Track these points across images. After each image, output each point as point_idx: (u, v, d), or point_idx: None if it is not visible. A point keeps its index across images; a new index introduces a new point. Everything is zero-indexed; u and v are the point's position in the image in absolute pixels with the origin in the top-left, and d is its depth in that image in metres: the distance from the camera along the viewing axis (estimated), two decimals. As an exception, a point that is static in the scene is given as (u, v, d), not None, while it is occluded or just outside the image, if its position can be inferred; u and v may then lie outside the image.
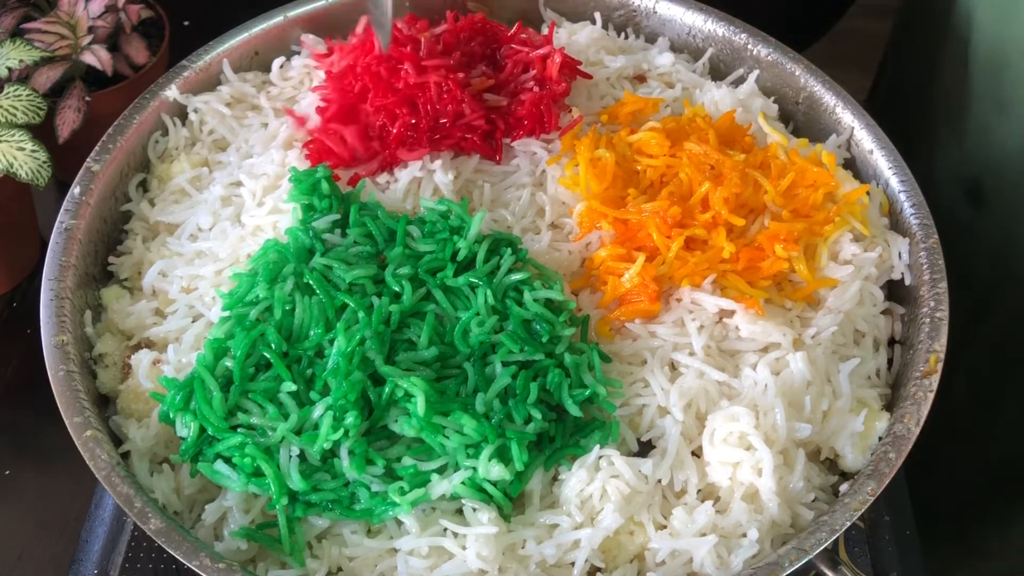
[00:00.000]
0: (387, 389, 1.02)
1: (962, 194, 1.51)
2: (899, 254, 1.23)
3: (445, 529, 1.00)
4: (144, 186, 1.32)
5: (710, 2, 1.47)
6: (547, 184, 1.25)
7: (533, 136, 1.27)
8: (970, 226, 1.50)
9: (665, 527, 1.04)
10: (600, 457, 1.04)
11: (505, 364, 1.07)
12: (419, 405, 1.00)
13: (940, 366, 1.12)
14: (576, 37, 1.43)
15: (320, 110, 1.27)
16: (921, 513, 1.28)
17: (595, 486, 1.02)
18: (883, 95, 1.82)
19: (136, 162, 1.32)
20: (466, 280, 1.12)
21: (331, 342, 1.05)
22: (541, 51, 1.32)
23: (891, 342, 1.22)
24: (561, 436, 1.06)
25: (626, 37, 1.50)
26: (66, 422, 1.04)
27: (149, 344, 1.17)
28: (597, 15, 1.48)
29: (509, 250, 1.14)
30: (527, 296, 1.11)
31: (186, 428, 1.03)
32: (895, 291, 1.24)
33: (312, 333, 1.07)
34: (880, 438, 1.10)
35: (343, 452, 1.01)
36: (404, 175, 1.22)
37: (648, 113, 1.33)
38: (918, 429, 1.08)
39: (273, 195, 1.22)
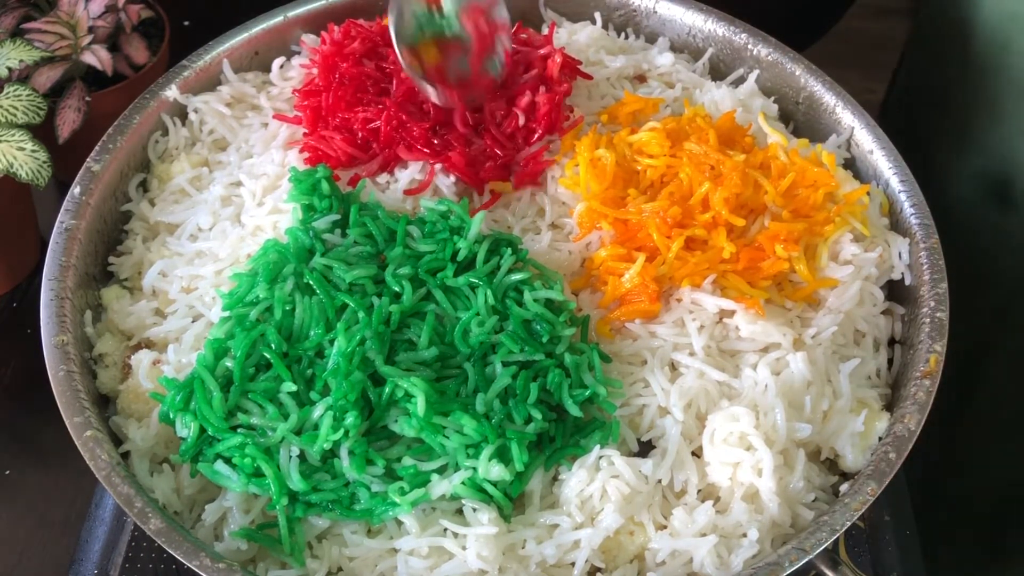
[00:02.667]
0: (387, 389, 1.02)
1: (989, 195, 1.47)
2: (899, 254, 1.22)
3: (445, 529, 1.00)
4: (144, 186, 1.32)
5: (710, 2, 1.47)
6: (547, 184, 1.25)
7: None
8: (997, 227, 1.46)
9: (665, 527, 1.04)
10: (600, 457, 1.04)
11: (505, 364, 1.06)
12: (419, 405, 1.00)
13: (940, 367, 1.11)
14: (576, 37, 1.43)
15: (300, 120, 1.28)
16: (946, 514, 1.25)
17: (595, 486, 1.02)
18: (900, 95, 1.79)
19: (136, 162, 1.32)
20: (466, 280, 1.12)
21: (331, 342, 1.05)
22: (541, 51, 1.32)
23: (891, 342, 1.22)
24: (561, 436, 1.06)
25: (626, 37, 1.50)
26: (66, 422, 1.04)
27: (149, 344, 1.16)
28: (597, 15, 1.48)
29: (509, 250, 1.14)
30: (527, 296, 1.11)
31: (186, 428, 1.03)
32: (895, 291, 1.24)
33: (312, 333, 1.07)
34: (880, 438, 1.10)
35: (343, 452, 1.01)
36: (404, 175, 1.22)
37: (648, 113, 1.33)
38: (918, 429, 1.07)
39: (273, 195, 1.22)
